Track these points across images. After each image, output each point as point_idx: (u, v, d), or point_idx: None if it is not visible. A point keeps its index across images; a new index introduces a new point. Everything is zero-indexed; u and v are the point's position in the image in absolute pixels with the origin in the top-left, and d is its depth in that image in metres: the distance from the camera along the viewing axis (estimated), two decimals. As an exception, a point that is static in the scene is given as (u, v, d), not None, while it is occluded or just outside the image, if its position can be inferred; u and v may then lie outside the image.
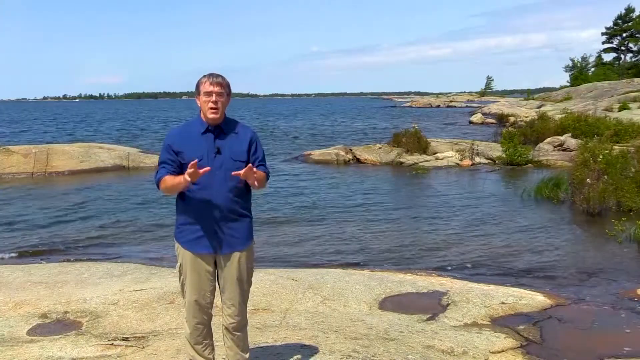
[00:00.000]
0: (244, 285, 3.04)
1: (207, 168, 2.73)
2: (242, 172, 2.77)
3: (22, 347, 4.04)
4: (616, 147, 12.73)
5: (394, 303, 5.35)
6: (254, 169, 2.86)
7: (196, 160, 2.70)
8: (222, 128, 2.93)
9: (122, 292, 5.49)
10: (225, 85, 2.93)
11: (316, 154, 20.11)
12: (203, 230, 2.90)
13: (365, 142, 23.25)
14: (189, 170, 2.68)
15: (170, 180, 2.85)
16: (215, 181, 2.86)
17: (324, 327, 4.37)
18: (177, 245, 3.01)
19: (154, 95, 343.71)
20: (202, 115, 2.95)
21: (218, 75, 2.93)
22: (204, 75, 2.94)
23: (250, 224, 3.04)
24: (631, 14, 64.73)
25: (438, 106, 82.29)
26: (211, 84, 2.88)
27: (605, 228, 8.87)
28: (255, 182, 2.87)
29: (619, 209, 10.17)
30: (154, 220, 10.47)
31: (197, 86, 2.94)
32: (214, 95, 2.87)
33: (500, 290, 5.85)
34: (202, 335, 3.06)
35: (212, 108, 2.87)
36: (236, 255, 2.97)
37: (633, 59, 66.45)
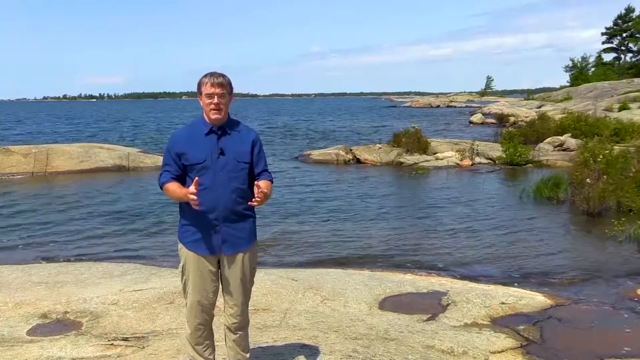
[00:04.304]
0: (247, 285, 3.05)
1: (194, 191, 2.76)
2: (256, 200, 2.81)
3: (22, 347, 4.04)
4: (616, 147, 12.72)
5: (394, 303, 5.35)
6: (260, 183, 2.85)
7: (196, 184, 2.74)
8: (225, 129, 2.94)
9: (122, 292, 5.48)
10: (226, 85, 2.92)
11: (316, 154, 20.10)
12: (207, 231, 2.90)
13: (365, 142, 23.23)
14: (191, 190, 2.72)
15: (173, 190, 2.88)
16: (219, 182, 2.86)
17: (324, 327, 4.37)
18: (180, 245, 3.01)
19: (154, 95, 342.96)
20: (205, 115, 2.96)
21: (219, 75, 2.91)
22: (205, 75, 2.92)
23: (253, 224, 3.04)
24: (631, 14, 64.73)
25: (438, 106, 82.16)
26: (212, 85, 2.87)
27: (605, 228, 8.86)
28: (262, 196, 2.83)
29: (619, 209, 10.17)
30: (154, 220, 10.47)
31: (199, 86, 2.93)
32: (215, 97, 2.87)
33: (500, 290, 5.85)
34: (203, 336, 3.06)
35: (214, 109, 2.87)
36: (240, 255, 2.97)
37: (633, 59, 66.43)
